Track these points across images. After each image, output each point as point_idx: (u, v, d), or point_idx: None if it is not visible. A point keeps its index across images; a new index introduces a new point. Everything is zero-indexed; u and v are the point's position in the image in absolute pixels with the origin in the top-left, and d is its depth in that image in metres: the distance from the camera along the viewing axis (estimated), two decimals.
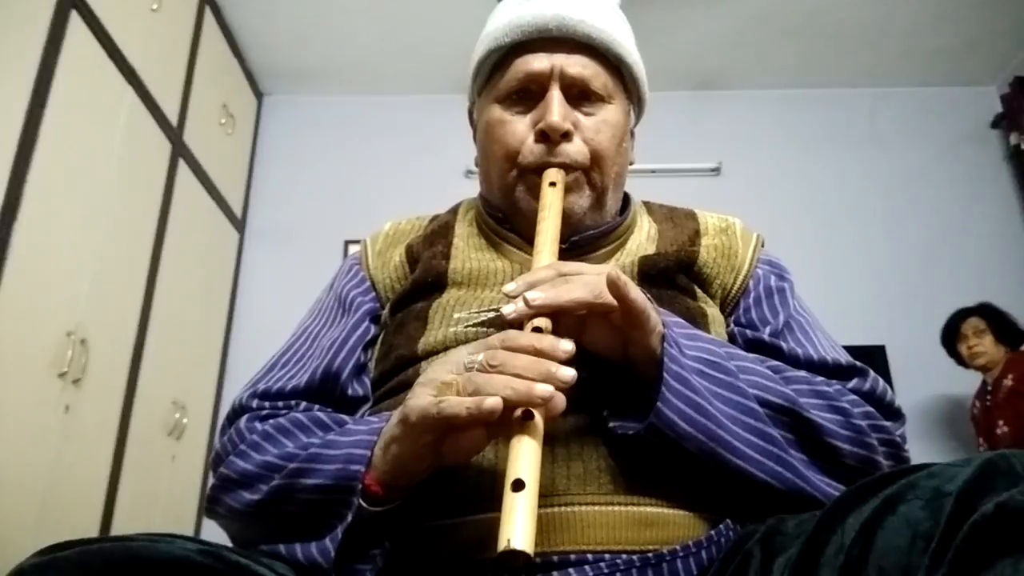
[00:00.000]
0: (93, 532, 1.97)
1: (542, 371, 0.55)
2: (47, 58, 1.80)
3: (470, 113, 0.91)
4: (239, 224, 3.07)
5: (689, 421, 0.59)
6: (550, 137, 0.75)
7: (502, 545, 0.46)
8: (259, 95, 3.32)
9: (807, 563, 0.46)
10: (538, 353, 0.56)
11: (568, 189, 0.76)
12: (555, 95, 0.76)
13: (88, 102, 1.99)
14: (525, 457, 0.51)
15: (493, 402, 0.52)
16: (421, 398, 0.57)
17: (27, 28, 1.78)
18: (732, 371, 0.64)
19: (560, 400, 0.54)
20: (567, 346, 0.57)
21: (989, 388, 2.64)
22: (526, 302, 0.59)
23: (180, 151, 2.51)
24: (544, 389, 0.54)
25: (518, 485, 0.49)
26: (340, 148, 3.27)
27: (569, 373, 0.55)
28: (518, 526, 0.47)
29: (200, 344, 2.72)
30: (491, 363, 0.56)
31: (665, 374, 0.60)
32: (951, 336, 2.72)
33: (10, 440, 1.64)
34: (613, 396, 0.65)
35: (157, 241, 2.35)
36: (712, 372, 0.63)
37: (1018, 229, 3.16)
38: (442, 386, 0.57)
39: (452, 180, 3.07)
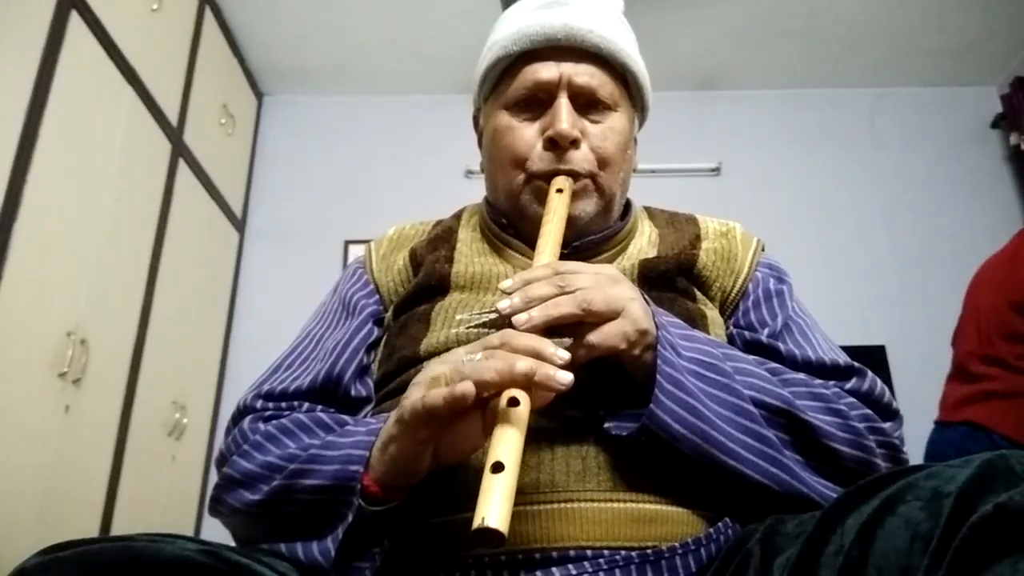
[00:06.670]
0: (93, 532, 1.96)
1: (536, 358, 0.55)
2: (47, 58, 1.80)
3: (475, 119, 0.91)
4: (239, 224, 3.07)
5: (682, 423, 0.60)
6: (559, 144, 0.76)
7: (476, 523, 0.47)
8: (259, 95, 3.32)
9: (807, 563, 0.46)
10: (537, 355, 0.56)
11: (576, 195, 0.77)
12: (563, 103, 0.77)
13: (88, 102, 1.98)
14: (507, 441, 0.52)
15: (464, 387, 0.53)
16: (412, 396, 0.57)
17: (27, 28, 1.78)
18: (728, 372, 0.64)
19: (550, 383, 0.54)
20: (564, 354, 0.57)
21: None
22: (518, 320, 0.60)
23: (180, 151, 2.51)
24: (525, 365, 0.54)
25: (497, 467, 0.50)
26: (340, 148, 3.26)
27: (567, 377, 0.55)
28: (494, 505, 0.48)
29: (200, 344, 2.72)
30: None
31: (659, 376, 0.60)
32: None
33: (10, 440, 1.64)
34: (610, 395, 0.65)
35: (157, 241, 2.35)
36: (707, 373, 0.63)
37: (1018, 229, 3.15)
38: (432, 380, 0.57)
39: (452, 180, 3.07)
